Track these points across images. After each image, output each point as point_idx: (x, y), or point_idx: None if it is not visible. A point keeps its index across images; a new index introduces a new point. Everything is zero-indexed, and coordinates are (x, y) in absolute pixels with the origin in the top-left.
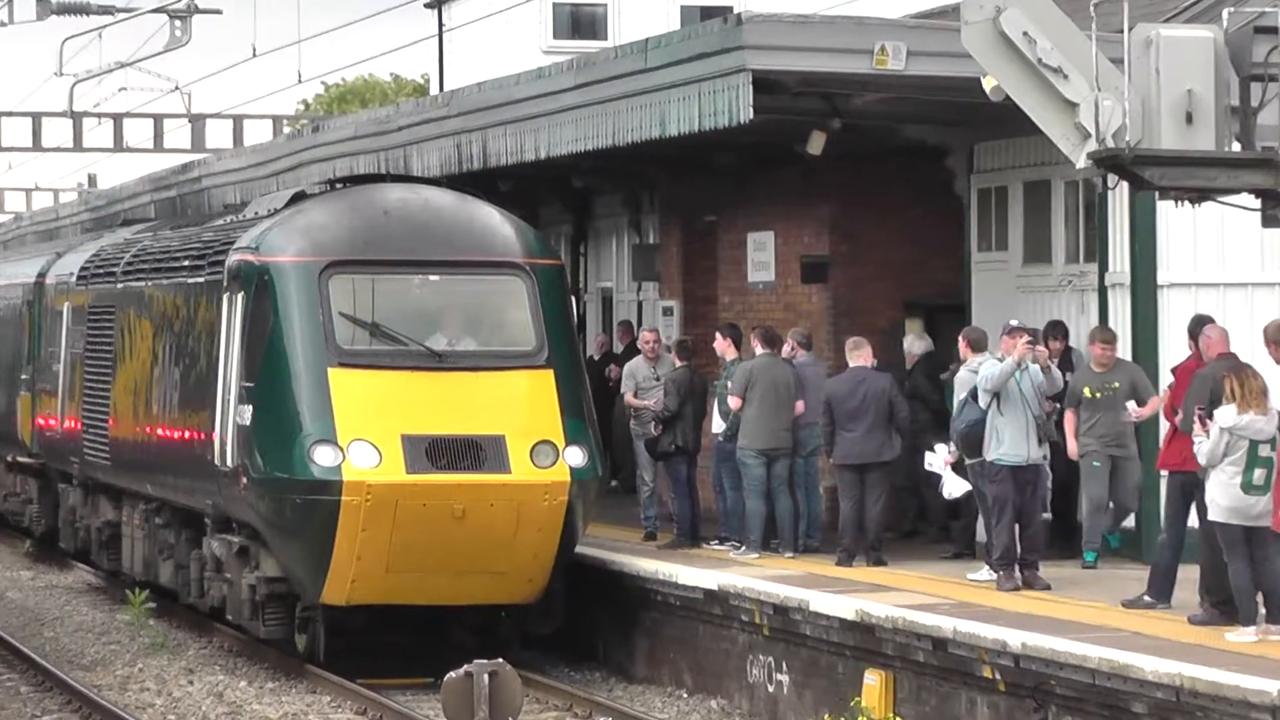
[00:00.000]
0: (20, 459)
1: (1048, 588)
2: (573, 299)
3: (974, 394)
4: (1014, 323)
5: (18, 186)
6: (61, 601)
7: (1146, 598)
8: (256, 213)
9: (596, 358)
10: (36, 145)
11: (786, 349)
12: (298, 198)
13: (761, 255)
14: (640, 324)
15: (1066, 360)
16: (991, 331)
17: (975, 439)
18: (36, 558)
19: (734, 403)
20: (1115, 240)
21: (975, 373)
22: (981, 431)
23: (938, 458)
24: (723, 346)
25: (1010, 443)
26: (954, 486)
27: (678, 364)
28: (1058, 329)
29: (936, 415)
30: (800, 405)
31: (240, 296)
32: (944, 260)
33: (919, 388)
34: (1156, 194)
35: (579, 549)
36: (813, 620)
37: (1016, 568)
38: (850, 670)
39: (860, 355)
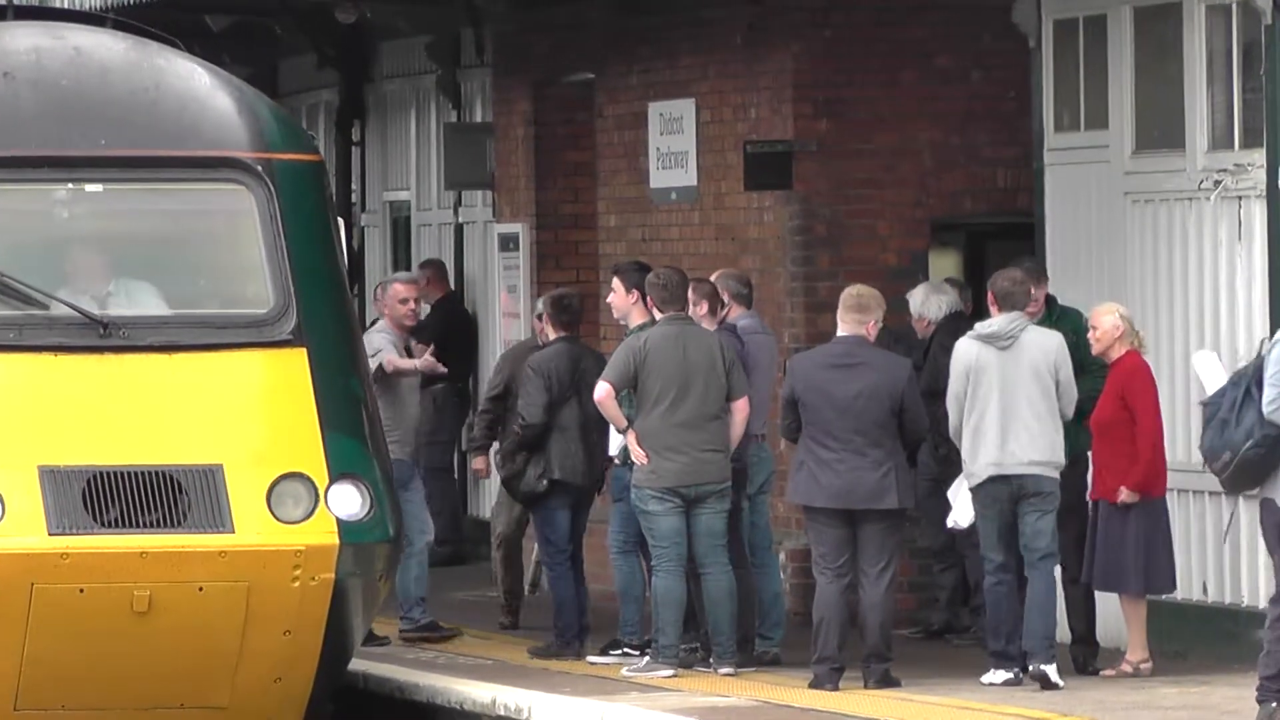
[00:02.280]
0: None
1: None
2: (340, 222)
3: None
4: None
5: None
6: None
7: None
8: None
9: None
10: None
11: (701, 308)
12: None
13: (674, 141)
14: (462, 266)
15: None
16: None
17: None
18: None
19: (601, 393)
20: None
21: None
22: None
23: None
24: (624, 303)
25: None
26: (963, 512)
27: (551, 337)
28: None
29: None
30: (741, 405)
31: None
32: (997, 149)
33: (940, 375)
34: None
35: (355, 664)
36: None
37: None
38: None
39: (856, 319)
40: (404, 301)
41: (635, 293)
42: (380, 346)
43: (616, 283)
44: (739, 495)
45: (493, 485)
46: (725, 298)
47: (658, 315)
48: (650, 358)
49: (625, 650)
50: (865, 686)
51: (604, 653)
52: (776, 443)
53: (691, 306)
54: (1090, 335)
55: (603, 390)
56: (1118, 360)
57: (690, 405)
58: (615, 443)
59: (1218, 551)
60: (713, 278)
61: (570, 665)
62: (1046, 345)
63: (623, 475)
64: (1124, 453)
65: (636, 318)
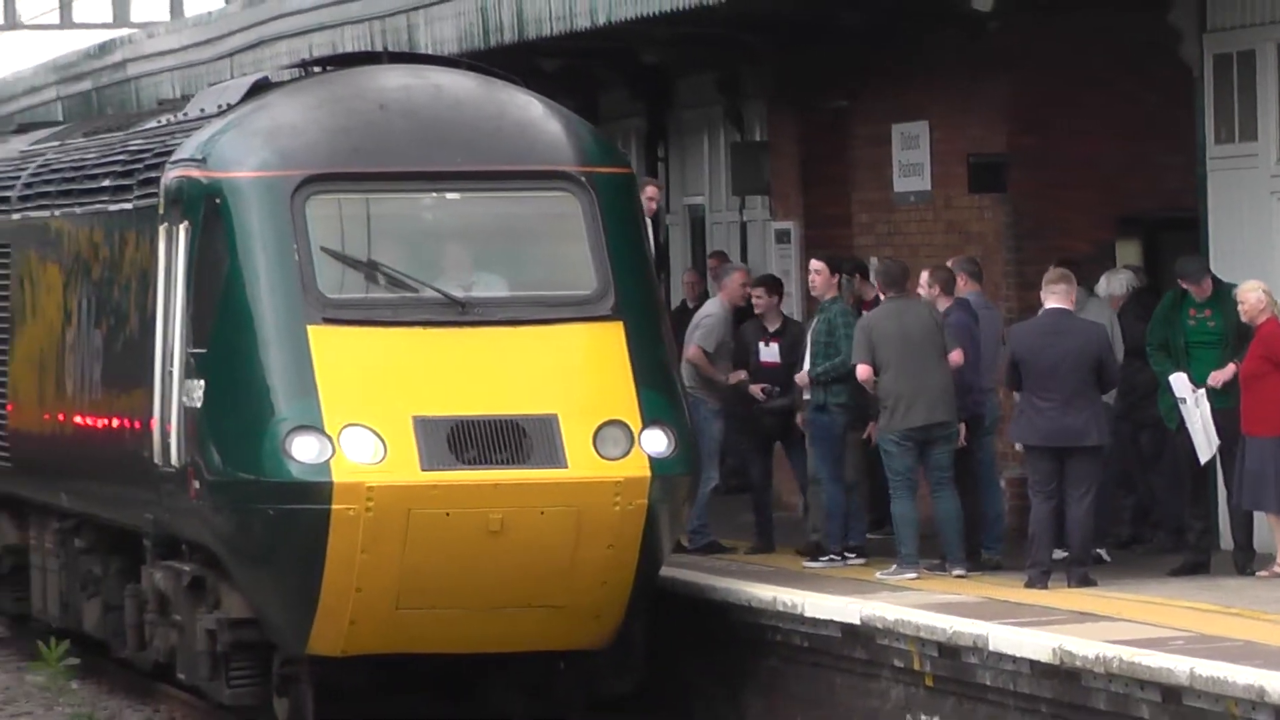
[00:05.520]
0: None
1: None
2: (649, 222)
3: None
4: None
5: None
6: None
7: None
8: (202, 110)
9: (691, 304)
10: None
11: (935, 289)
12: (260, 88)
13: (912, 155)
14: (745, 257)
15: None
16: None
17: None
18: None
19: (863, 373)
20: None
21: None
22: None
23: (1183, 383)
24: (826, 283)
25: None
26: (1206, 442)
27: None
28: None
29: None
30: (957, 355)
31: (183, 228)
32: (1168, 157)
33: (1128, 341)
34: None
35: (664, 571)
36: (993, 665)
37: None
38: None
39: (1059, 294)
40: (743, 285)
41: (837, 275)
42: (711, 311)
43: (823, 267)
44: (972, 435)
45: None
46: (961, 280)
47: (882, 296)
48: (876, 332)
49: (830, 557)
50: (1068, 586)
51: (813, 559)
52: (1001, 394)
53: (927, 287)
54: (1240, 307)
55: (862, 372)
56: (1261, 325)
57: (913, 363)
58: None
59: None
60: (948, 263)
61: (834, 570)
62: None
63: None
64: (1268, 399)
65: (829, 294)
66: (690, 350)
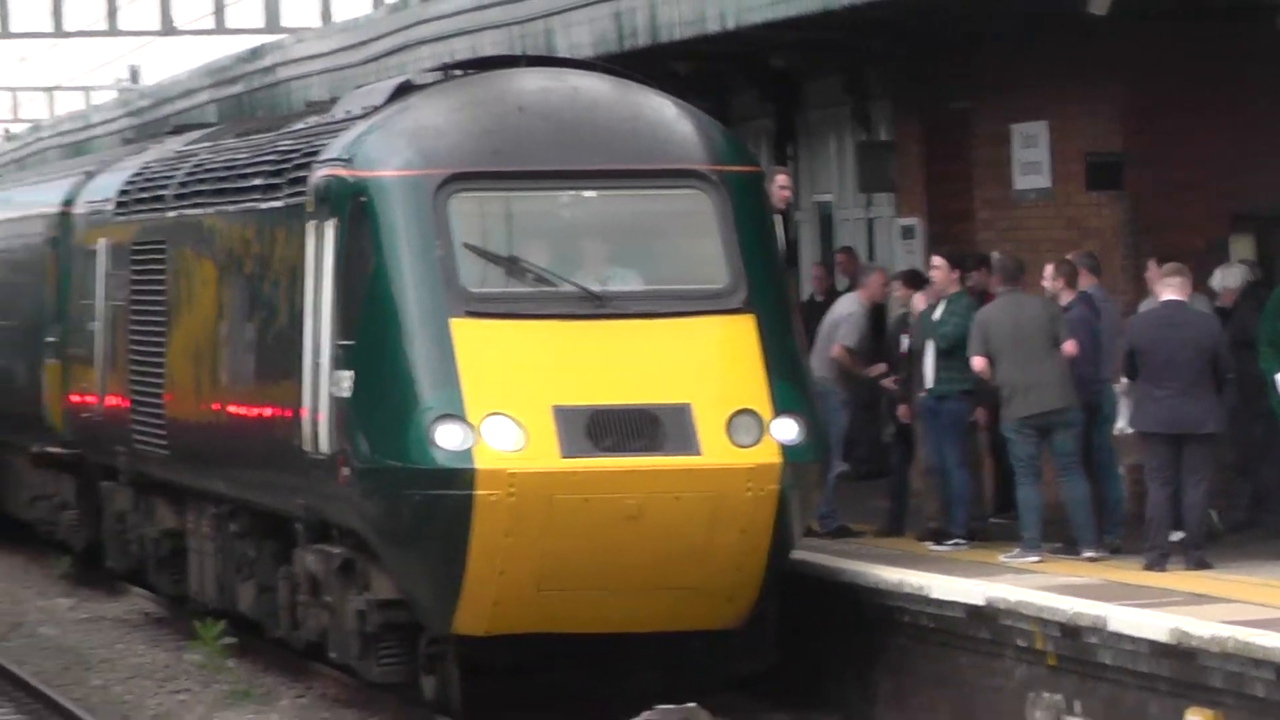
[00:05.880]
0: (49, 450)
1: None
2: (781, 213)
3: None
4: None
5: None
6: (111, 638)
7: None
8: (348, 112)
9: (818, 298)
10: (58, 29)
11: (1059, 282)
12: (404, 90)
13: (1031, 154)
14: (872, 252)
15: None
16: None
17: None
18: (77, 580)
19: (978, 364)
20: None
21: None
22: None
23: None
24: (947, 278)
25: None
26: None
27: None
28: None
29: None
30: (1071, 345)
31: (331, 225)
32: None
33: (1244, 332)
34: None
35: (795, 554)
36: (1113, 644)
37: None
38: (1166, 710)
39: (1173, 286)
40: (885, 285)
41: (957, 270)
42: (852, 309)
43: (943, 262)
44: (1091, 424)
45: None
46: (1080, 274)
47: (998, 290)
48: (990, 325)
49: (956, 541)
50: (1185, 568)
51: (938, 543)
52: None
53: (1051, 280)
54: None
55: (978, 363)
56: None
57: (1024, 354)
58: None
59: None
60: (1068, 256)
61: (958, 554)
62: None
63: (935, 404)
64: None
65: (951, 289)
66: (834, 349)
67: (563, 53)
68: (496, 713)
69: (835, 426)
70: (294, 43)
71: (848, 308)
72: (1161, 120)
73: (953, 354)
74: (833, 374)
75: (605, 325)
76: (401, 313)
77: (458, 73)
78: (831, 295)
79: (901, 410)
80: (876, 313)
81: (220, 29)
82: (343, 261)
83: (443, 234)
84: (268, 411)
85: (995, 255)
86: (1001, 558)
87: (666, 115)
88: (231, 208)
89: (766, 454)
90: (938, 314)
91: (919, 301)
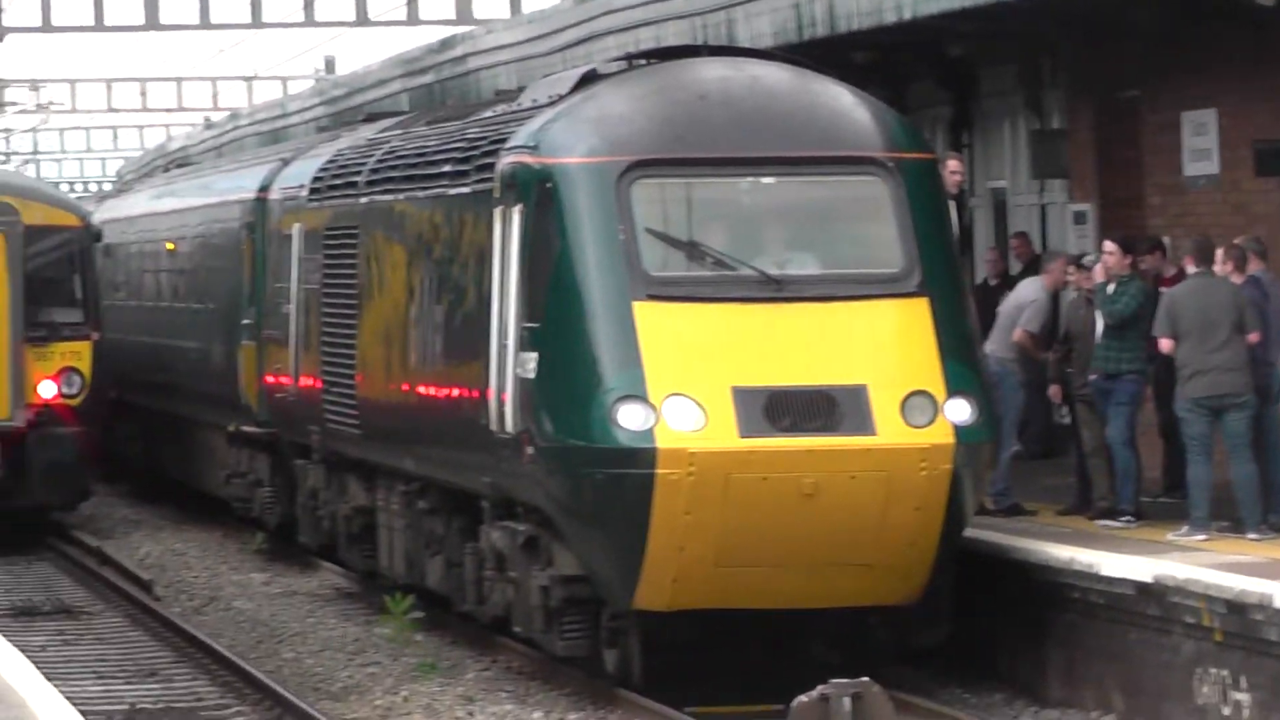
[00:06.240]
0: (245, 429)
1: None
2: (952, 204)
3: None
4: None
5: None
6: (303, 612)
7: None
8: (535, 100)
9: (992, 281)
10: (256, 21)
11: (1229, 265)
12: (589, 79)
13: (1201, 141)
14: (1045, 237)
15: None
16: None
17: None
18: (271, 556)
19: (1165, 346)
20: None
21: None
22: None
23: None
24: (1120, 263)
25: None
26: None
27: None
28: None
29: None
30: (1255, 336)
31: (517, 210)
32: None
33: None
34: None
35: (968, 531)
36: (1278, 621)
37: None
38: None
39: None
40: (1065, 270)
41: (1129, 256)
42: (1036, 296)
43: (1115, 248)
44: (1261, 405)
45: None
46: (1250, 258)
47: (1190, 271)
48: (1178, 306)
49: (1128, 518)
50: None
51: (1112, 519)
52: None
53: (1221, 264)
54: None
55: (1165, 344)
56: None
57: (1207, 337)
58: None
59: None
60: (1236, 241)
61: (1128, 531)
62: None
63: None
64: None
65: (1122, 271)
66: (1017, 333)
67: (744, 42)
68: (676, 687)
69: (1012, 407)
70: (484, 33)
71: (1032, 293)
72: None
73: (1125, 333)
74: (1013, 355)
75: (783, 308)
76: (585, 296)
77: (641, 62)
78: (1005, 279)
79: (1052, 390)
80: (1055, 298)
81: (413, 20)
82: (528, 246)
83: (625, 219)
84: (455, 392)
85: (1166, 240)
86: (1169, 536)
87: (844, 103)
88: (421, 193)
89: (940, 434)
90: (1110, 289)
91: (1098, 275)
